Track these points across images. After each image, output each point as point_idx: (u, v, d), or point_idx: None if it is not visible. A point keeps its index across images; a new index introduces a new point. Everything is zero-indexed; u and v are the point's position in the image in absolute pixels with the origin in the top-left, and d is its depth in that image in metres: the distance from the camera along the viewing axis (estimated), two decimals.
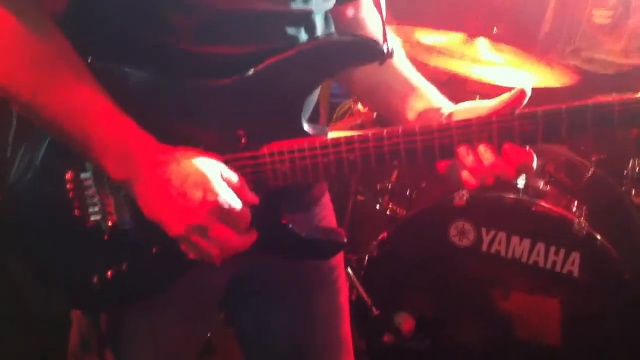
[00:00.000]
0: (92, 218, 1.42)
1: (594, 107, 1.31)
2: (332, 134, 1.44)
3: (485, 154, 1.35)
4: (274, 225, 1.46)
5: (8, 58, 1.28)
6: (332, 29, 1.58)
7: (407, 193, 3.22)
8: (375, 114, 2.96)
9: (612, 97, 1.32)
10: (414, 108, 1.58)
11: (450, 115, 1.49)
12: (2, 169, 1.46)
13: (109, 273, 1.45)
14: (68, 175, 1.41)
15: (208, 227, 1.30)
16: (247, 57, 1.38)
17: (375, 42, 1.42)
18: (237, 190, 1.34)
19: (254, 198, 1.38)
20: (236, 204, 1.32)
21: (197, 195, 1.28)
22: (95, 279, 1.45)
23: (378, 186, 3.28)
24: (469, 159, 1.36)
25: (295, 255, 1.59)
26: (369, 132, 1.40)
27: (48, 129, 1.35)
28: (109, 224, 1.42)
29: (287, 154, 1.40)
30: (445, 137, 1.36)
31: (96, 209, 1.42)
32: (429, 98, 1.59)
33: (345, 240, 1.58)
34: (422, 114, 1.56)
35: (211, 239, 1.32)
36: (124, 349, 1.60)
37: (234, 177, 1.35)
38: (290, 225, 1.49)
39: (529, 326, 2.80)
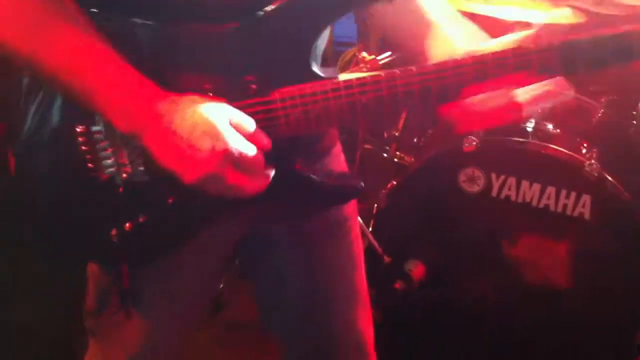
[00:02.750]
0: (106, 171, 1.41)
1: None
2: (343, 76, 1.41)
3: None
4: (288, 172, 1.44)
5: (4, 14, 1.26)
6: None
7: (415, 140, 3.20)
8: (381, 61, 2.93)
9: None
10: (432, 48, 1.55)
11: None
12: (16, 125, 1.45)
13: (128, 225, 1.44)
14: (79, 129, 1.39)
15: (221, 175, 1.28)
16: (251, 1, 1.35)
17: None
18: (248, 135, 1.31)
19: (266, 142, 1.35)
20: (247, 150, 1.29)
21: (206, 144, 1.25)
22: (114, 232, 1.45)
23: (385, 134, 3.27)
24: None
25: (311, 202, 1.57)
26: (382, 73, 1.37)
27: (52, 84, 1.33)
28: (124, 176, 1.41)
29: (299, 98, 1.37)
30: (461, 74, 1.34)
31: (109, 161, 1.40)
32: (447, 36, 1.55)
33: (361, 184, 1.55)
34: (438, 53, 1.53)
35: (227, 185, 1.30)
36: (142, 304, 1.60)
37: (244, 121, 1.32)
38: (305, 171, 1.47)
39: (539, 271, 2.79)
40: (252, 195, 1.34)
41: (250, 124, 1.32)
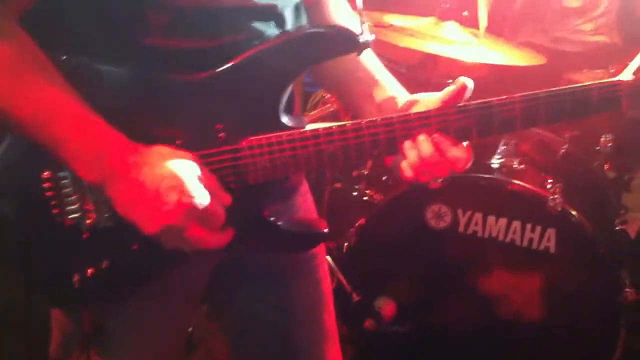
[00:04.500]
0: (71, 217, 1.41)
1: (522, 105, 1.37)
2: (310, 126, 1.45)
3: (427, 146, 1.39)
4: (255, 218, 1.47)
5: None
6: (304, 22, 1.57)
7: (384, 179, 3.23)
8: None
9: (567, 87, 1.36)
10: (375, 99, 1.61)
11: (407, 104, 1.52)
12: None
13: (90, 271, 1.44)
14: (45, 175, 1.39)
15: (183, 227, 1.31)
16: (218, 51, 1.38)
17: (351, 33, 1.42)
18: (212, 190, 1.34)
19: (227, 198, 1.38)
20: (211, 204, 1.32)
21: (172, 197, 1.28)
22: (76, 278, 1.44)
23: (354, 173, 3.29)
24: (413, 153, 1.40)
25: (278, 249, 1.60)
26: (348, 123, 1.41)
27: (17, 132, 1.35)
28: (88, 222, 1.41)
29: (267, 147, 1.41)
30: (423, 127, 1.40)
31: (75, 207, 1.41)
32: (388, 89, 1.62)
33: (326, 230, 1.58)
34: (380, 105, 1.59)
35: (186, 238, 1.33)
36: (108, 347, 1.59)
37: (208, 177, 1.35)
38: (272, 218, 1.49)
39: (509, 304, 2.82)
40: (213, 250, 1.36)
41: (213, 180, 1.35)
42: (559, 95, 1.37)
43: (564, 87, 1.37)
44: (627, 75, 1.35)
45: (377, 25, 3.01)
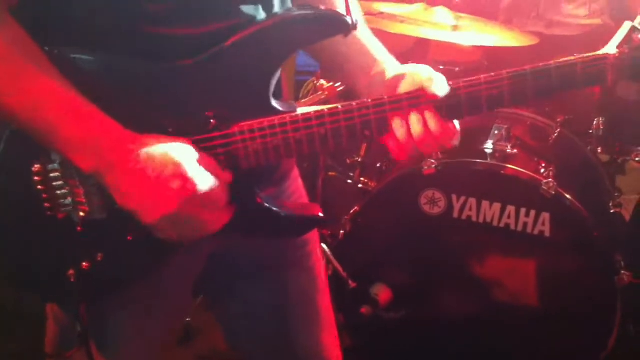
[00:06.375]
0: (63, 209, 1.41)
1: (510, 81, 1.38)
2: (301, 109, 1.44)
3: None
4: (248, 205, 1.46)
5: None
6: (289, 4, 1.56)
7: (378, 165, 3.23)
8: (339, 88, 2.97)
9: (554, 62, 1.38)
10: (369, 73, 1.61)
11: (394, 79, 1.53)
12: None
13: (85, 264, 1.44)
14: (35, 168, 1.39)
15: (186, 213, 1.31)
16: (207, 38, 1.38)
17: (338, 15, 1.42)
18: (212, 171, 1.34)
19: (228, 176, 1.38)
20: (214, 187, 1.33)
21: (175, 185, 1.28)
22: (71, 271, 1.44)
23: (348, 161, 3.29)
24: (402, 132, 1.41)
25: (273, 234, 1.59)
26: (339, 105, 1.42)
27: (10, 121, 1.33)
28: (81, 214, 1.41)
29: (258, 131, 1.40)
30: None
31: (66, 200, 1.40)
32: (381, 62, 1.62)
33: (321, 214, 1.58)
34: (372, 78, 1.60)
35: (190, 223, 1.33)
36: (106, 339, 1.60)
37: (205, 160, 1.35)
38: (266, 204, 1.49)
39: (505, 289, 2.83)
40: (213, 232, 1.36)
41: (211, 162, 1.36)
42: (545, 71, 1.38)
43: (549, 62, 1.38)
44: (611, 48, 1.36)
45: (368, 14, 3.01)
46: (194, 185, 1.29)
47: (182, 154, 1.31)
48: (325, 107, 1.42)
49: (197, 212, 1.32)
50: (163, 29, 1.36)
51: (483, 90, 1.39)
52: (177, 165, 1.29)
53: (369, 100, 1.42)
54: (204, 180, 1.31)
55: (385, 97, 1.42)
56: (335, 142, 1.42)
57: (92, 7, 1.33)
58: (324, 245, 2.92)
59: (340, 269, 2.91)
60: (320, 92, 2.97)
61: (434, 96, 1.39)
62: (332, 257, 2.92)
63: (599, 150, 3.14)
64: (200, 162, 1.33)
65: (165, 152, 1.30)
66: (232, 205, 1.39)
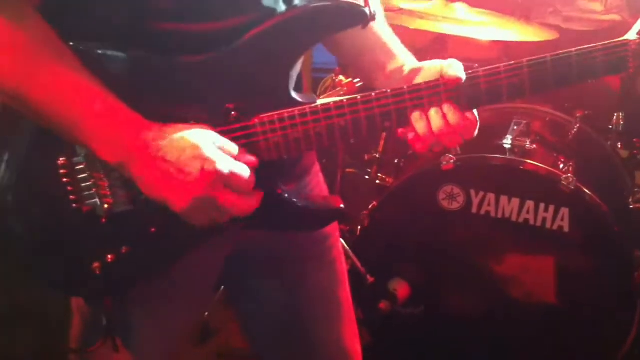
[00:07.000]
0: (88, 202, 1.42)
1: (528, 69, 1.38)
2: (321, 101, 1.45)
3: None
4: (270, 197, 1.46)
5: None
6: None
7: (395, 162, 3.23)
8: (358, 84, 2.97)
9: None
10: (387, 69, 1.63)
11: (411, 72, 1.54)
12: None
13: (110, 257, 1.45)
14: (60, 161, 1.40)
15: (213, 196, 1.31)
16: (228, 32, 1.39)
17: (356, 6, 1.42)
18: (233, 156, 1.34)
19: (252, 159, 1.38)
20: (236, 168, 1.33)
21: (195, 167, 1.28)
22: (96, 265, 1.45)
23: (366, 157, 3.29)
24: (422, 124, 1.42)
25: (294, 227, 1.60)
26: (358, 96, 1.42)
27: (35, 117, 1.34)
28: (105, 207, 1.42)
29: (278, 122, 1.41)
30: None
31: (91, 192, 1.41)
32: (398, 57, 1.64)
33: (342, 206, 1.58)
34: (390, 74, 1.61)
35: (218, 207, 1.33)
36: (128, 331, 1.60)
37: (227, 143, 1.35)
38: (287, 195, 1.50)
39: (523, 285, 2.82)
40: (243, 215, 1.36)
41: (233, 146, 1.36)
42: (566, 58, 1.38)
43: (570, 49, 1.37)
44: (632, 35, 1.36)
45: (387, 10, 3.01)
46: (213, 163, 1.29)
47: (200, 137, 1.32)
48: (344, 98, 1.42)
49: (225, 195, 1.32)
50: (185, 24, 1.37)
51: (503, 78, 1.39)
52: (195, 148, 1.29)
53: (388, 91, 1.42)
54: (223, 160, 1.31)
55: (405, 86, 1.42)
56: (355, 134, 1.43)
57: (113, 4, 1.34)
58: (341, 240, 2.92)
59: (358, 263, 2.91)
60: (339, 88, 2.97)
61: (454, 80, 1.40)
62: (350, 252, 2.92)
63: (619, 145, 3.13)
64: (221, 145, 1.33)
65: (182, 137, 1.31)
66: (259, 192, 1.39)
